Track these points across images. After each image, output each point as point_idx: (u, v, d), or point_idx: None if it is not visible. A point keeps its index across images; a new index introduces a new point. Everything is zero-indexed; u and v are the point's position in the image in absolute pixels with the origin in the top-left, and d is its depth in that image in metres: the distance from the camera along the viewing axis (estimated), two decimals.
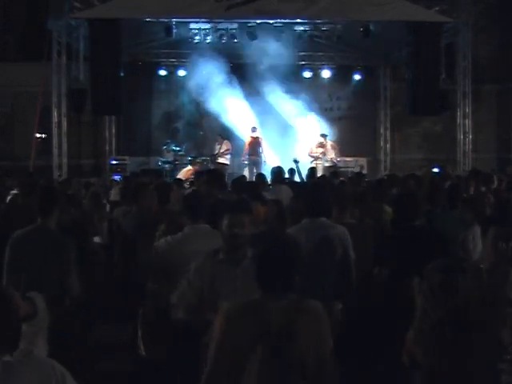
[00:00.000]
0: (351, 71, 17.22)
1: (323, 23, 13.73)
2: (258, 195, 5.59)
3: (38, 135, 14.93)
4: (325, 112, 17.45)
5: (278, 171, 8.86)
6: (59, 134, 13.55)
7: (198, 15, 12.61)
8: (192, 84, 17.07)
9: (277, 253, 2.81)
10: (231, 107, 16.92)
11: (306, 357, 2.69)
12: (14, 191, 7.99)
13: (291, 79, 16.96)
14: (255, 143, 15.44)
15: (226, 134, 15.84)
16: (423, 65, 13.03)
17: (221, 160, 15.10)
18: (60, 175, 13.20)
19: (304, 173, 11.03)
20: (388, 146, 17.78)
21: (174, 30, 13.16)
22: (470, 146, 14.44)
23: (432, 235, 4.64)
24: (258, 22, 13.18)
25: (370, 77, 17.66)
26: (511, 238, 3.69)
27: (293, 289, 2.78)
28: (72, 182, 9.84)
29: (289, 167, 11.52)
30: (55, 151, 13.50)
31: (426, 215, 5.81)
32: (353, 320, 4.50)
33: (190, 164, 14.43)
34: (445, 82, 13.58)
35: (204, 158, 15.35)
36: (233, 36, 14.33)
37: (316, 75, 17.13)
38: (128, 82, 14.33)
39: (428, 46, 13.00)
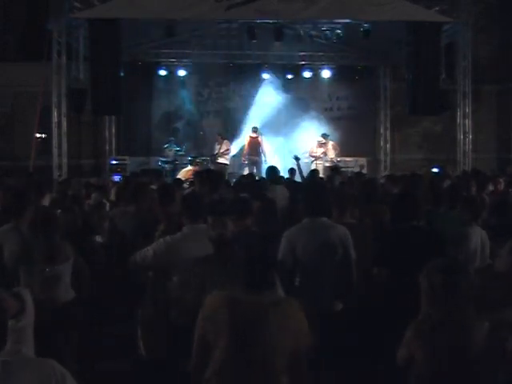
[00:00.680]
0: (351, 71, 17.21)
1: (323, 23, 13.73)
2: (259, 194, 5.59)
3: (37, 135, 14.92)
4: (325, 112, 17.47)
5: (272, 171, 8.77)
6: (59, 134, 13.53)
7: (198, 15, 12.59)
8: (192, 84, 17.11)
9: (253, 252, 2.95)
10: (231, 107, 16.96)
11: (274, 351, 2.73)
12: None
13: (291, 79, 16.99)
14: (255, 143, 15.46)
15: (225, 134, 15.86)
16: (423, 65, 13.02)
17: (221, 160, 15.10)
18: (60, 175, 13.19)
19: (305, 171, 11.03)
20: (388, 145, 17.77)
21: (174, 30, 13.15)
22: (470, 146, 14.43)
23: (432, 235, 4.64)
24: (258, 21, 13.18)
25: (370, 77, 17.66)
26: None
27: (271, 286, 2.91)
28: (72, 182, 9.84)
29: (289, 167, 11.53)
30: (55, 151, 13.49)
31: (426, 215, 5.81)
32: (353, 320, 4.50)
33: (190, 164, 14.43)
34: (445, 81, 13.57)
35: (204, 157, 15.36)
36: (233, 36, 14.33)
37: (316, 75, 17.12)
38: (128, 81, 14.32)
39: (428, 46, 12.99)
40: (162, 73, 16.81)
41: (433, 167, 14.02)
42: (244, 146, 15.73)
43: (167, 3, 12.31)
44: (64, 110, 13.48)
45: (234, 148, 15.98)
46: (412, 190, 6.63)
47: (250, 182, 8.25)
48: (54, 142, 13.52)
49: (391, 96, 17.43)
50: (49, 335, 3.56)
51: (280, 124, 16.39)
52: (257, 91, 16.69)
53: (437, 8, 13.01)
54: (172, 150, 15.40)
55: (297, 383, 2.82)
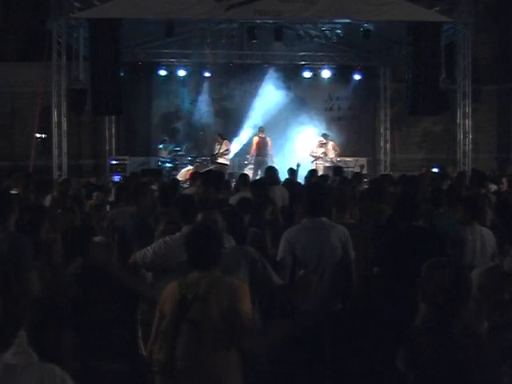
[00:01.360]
0: (351, 71, 17.22)
1: (323, 23, 13.73)
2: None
3: (37, 135, 14.93)
4: (325, 112, 17.48)
5: (271, 172, 8.72)
6: (59, 134, 13.54)
7: (198, 15, 12.60)
8: (192, 84, 17.12)
9: (200, 233, 3.19)
10: (231, 107, 16.95)
11: (218, 323, 2.94)
12: (14, 191, 7.98)
13: (291, 79, 16.99)
14: (264, 144, 15.33)
15: (225, 134, 15.84)
16: (423, 65, 13.03)
17: (220, 160, 15.07)
18: (60, 175, 13.19)
19: (305, 174, 11.01)
20: (388, 145, 17.77)
21: (174, 30, 13.15)
22: (470, 146, 14.43)
23: (432, 235, 4.65)
24: (258, 21, 13.18)
25: (370, 77, 17.66)
26: None
27: (217, 265, 3.13)
28: (72, 182, 9.83)
29: (289, 167, 11.48)
30: (55, 151, 13.49)
31: (427, 215, 5.81)
32: (353, 320, 4.50)
33: (190, 164, 14.43)
34: (445, 82, 13.57)
35: (204, 157, 15.34)
36: (233, 36, 14.34)
37: (316, 75, 17.13)
38: (128, 81, 14.33)
39: (428, 46, 13.00)
40: (162, 73, 16.83)
41: (433, 167, 14.02)
42: (251, 145, 15.59)
43: (167, 3, 12.31)
44: (64, 110, 13.48)
45: (234, 148, 15.97)
46: (411, 190, 6.63)
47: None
48: (54, 142, 13.52)
49: (391, 96, 17.43)
50: (42, 334, 3.54)
51: (280, 124, 16.37)
52: (257, 91, 16.69)
53: (437, 8, 13.03)
54: (167, 149, 15.41)
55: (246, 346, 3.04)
